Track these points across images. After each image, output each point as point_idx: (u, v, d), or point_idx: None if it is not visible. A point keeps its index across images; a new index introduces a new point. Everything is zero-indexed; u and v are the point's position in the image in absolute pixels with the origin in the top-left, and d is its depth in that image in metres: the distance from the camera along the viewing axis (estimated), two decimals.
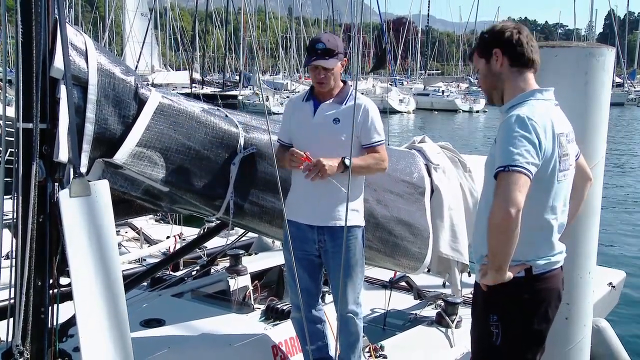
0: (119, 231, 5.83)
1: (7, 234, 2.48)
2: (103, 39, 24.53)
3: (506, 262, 2.19)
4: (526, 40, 2.34)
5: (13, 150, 2.31)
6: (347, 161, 2.91)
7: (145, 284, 3.98)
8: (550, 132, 2.21)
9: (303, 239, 3.10)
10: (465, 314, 3.73)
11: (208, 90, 30.33)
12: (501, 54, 2.34)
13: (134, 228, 6.12)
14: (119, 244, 5.57)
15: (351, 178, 2.87)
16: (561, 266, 2.41)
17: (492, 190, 2.23)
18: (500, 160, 2.17)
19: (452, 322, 3.93)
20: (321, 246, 3.09)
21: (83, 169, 2.43)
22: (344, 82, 3.13)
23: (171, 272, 4.65)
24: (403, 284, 4.69)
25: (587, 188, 2.61)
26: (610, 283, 4.99)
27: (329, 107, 3.06)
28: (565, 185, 2.33)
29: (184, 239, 5.68)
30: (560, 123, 2.30)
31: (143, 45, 16.85)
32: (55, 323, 2.47)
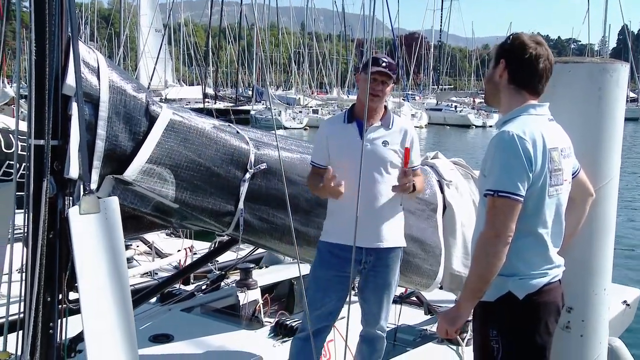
0: (130, 245, 5.85)
1: (19, 247, 2.49)
2: (118, 54, 24.81)
3: (481, 289, 2.19)
4: (537, 66, 2.27)
5: (25, 165, 2.33)
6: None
7: (155, 298, 3.97)
8: (540, 147, 2.19)
9: (345, 259, 2.98)
10: None
11: (221, 105, 30.48)
12: (504, 67, 2.31)
13: (145, 242, 6.13)
14: (131, 258, 5.59)
15: (395, 199, 3.10)
16: (559, 280, 2.37)
17: (482, 208, 2.26)
18: (490, 183, 2.18)
19: (463, 339, 3.88)
20: (365, 267, 3.13)
21: (93, 186, 2.44)
22: (385, 107, 3.21)
23: (181, 286, 4.65)
24: (413, 298, 4.66)
25: (588, 203, 2.57)
26: (625, 301, 4.92)
27: (377, 130, 3.12)
28: (557, 200, 2.29)
29: (195, 253, 5.68)
30: (553, 138, 2.27)
31: (157, 60, 16.98)
32: (64, 338, 2.48)
